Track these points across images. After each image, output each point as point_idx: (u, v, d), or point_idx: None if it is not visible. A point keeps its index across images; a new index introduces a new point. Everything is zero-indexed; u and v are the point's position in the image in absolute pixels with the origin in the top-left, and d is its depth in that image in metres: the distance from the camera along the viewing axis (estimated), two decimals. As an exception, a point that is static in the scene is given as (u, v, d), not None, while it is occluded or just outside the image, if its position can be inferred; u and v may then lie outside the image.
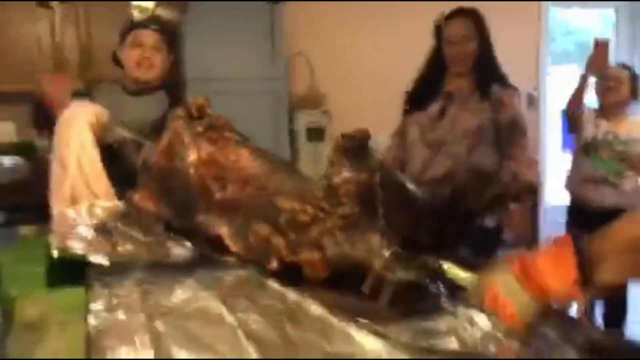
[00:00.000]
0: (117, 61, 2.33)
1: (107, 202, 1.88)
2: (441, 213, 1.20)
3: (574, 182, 3.15)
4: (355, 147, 1.24)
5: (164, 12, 1.67)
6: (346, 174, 1.22)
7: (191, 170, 1.52)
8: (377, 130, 3.07)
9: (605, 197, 2.92)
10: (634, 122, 3.00)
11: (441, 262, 1.13)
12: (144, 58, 2.23)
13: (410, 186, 1.21)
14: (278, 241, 1.30)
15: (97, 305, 1.10)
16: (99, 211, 1.79)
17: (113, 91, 2.34)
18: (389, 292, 1.12)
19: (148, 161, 1.70)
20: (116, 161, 2.05)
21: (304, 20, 3.23)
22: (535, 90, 4.37)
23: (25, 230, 1.82)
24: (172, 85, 2.40)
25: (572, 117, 3.15)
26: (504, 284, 0.96)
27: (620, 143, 2.96)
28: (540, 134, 4.51)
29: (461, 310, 1.09)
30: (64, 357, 0.99)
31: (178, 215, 1.56)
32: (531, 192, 1.15)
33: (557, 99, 4.59)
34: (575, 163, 3.17)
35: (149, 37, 2.25)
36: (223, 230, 1.43)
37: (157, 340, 0.95)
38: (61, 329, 1.09)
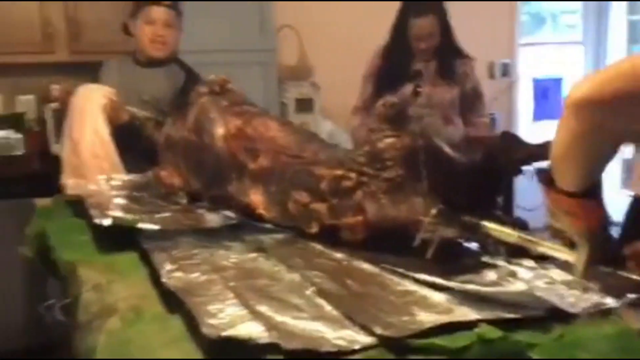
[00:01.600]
0: (127, 32, 2.34)
1: (122, 175, 1.93)
2: (476, 174, 1.29)
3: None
4: (396, 114, 1.31)
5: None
6: (389, 139, 1.29)
7: (220, 144, 1.56)
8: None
9: None
10: None
11: (481, 220, 1.22)
12: (158, 36, 2.25)
13: (448, 150, 1.30)
14: (319, 206, 1.37)
15: (166, 267, 1.16)
16: (117, 183, 1.84)
17: (123, 63, 2.35)
18: (433, 249, 1.21)
19: (172, 137, 1.73)
20: (130, 138, 2.09)
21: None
22: (510, 60, 4.50)
23: (42, 201, 1.84)
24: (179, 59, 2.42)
25: None
26: None
27: None
28: (514, 104, 4.66)
29: (502, 264, 1.19)
30: (143, 314, 1.04)
31: (208, 187, 1.61)
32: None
33: (529, 68, 4.77)
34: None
35: (162, 13, 2.26)
36: (257, 198, 1.49)
37: (239, 297, 1.02)
38: (129, 288, 1.14)
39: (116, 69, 2.35)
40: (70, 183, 1.97)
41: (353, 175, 1.32)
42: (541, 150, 1.25)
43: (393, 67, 2.63)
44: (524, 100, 4.79)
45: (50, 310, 1.44)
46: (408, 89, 2.60)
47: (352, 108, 2.76)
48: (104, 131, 2.00)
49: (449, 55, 2.64)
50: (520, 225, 1.22)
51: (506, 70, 4.51)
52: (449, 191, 1.27)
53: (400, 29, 2.60)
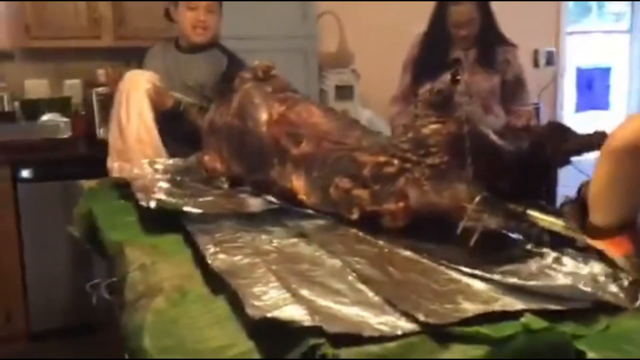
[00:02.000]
0: (169, 17, 2.37)
1: (164, 160, 1.96)
2: (522, 163, 1.27)
3: None
4: (442, 100, 1.30)
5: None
6: (435, 125, 1.28)
7: (264, 129, 1.58)
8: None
9: None
10: None
11: (526, 209, 1.21)
12: (200, 21, 2.27)
13: (494, 137, 1.28)
14: (361, 192, 1.37)
15: (209, 249, 1.18)
16: (160, 167, 1.87)
17: (166, 49, 2.39)
18: (476, 237, 1.19)
19: (216, 123, 1.76)
20: (173, 123, 2.12)
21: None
22: (555, 48, 4.40)
23: (89, 183, 1.88)
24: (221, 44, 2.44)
25: None
26: None
27: None
28: (558, 94, 4.56)
29: (547, 252, 1.17)
30: (187, 294, 1.06)
31: (250, 172, 1.63)
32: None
33: (574, 57, 4.65)
34: None
35: None
36: (298, 184, 1.50)
37: (281, 280, 1.03)
38: (174, 269, 1.17)
39: (159, 55, 2.39)
40: (115, 166, 2.03)
41: (396, 161, 1.31)
42: (591, 141, 1.23)
43: (431, 55, 2.58)
44: (569, 90, 4.68)
45: (96, 290, 1.49)
46: (447, 77, 2.56)
47: (391, 97, 2.74)
48: (149, 116, 2.05)
49: (489, 43, 2.57)
50: (564, 215, 1.20)
51: (551, 59, 4.41)
52: (494, 179, 1.26)
53: (439, 16, 2.55)
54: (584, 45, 4.71)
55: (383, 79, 3.55)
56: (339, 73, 3.43)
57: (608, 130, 1.20)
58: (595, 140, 1.21)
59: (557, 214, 1.21)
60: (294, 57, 3.30)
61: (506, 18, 2.69)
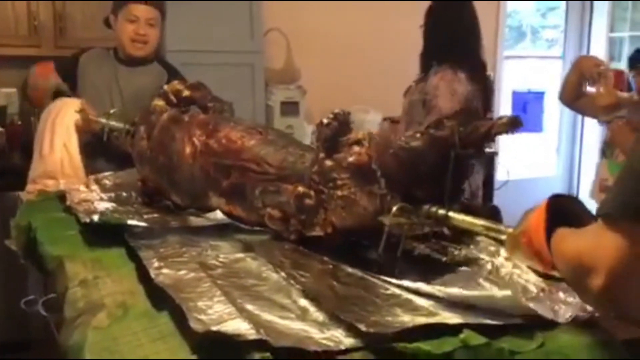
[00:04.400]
0: (109, 25, 2.32)
1: (112, 174, 1.91)
2: (438, 163, 1.22)
3: (594, 189, 2.61)
4: (333, 132, 1.29)
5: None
6: (335, 156, 1.28)
7: (191, 161, 1.54)
8: (349, 105, 3.20)
9: None
10: None
11: (447, 210, 1.20)
12: (139, 35, 2.22)
13: (402, 142, 1.26)
14: (292, 222, 1.35)
15: (154, 264, 1.17)
16: (106, 183, 1.83)
17: (104, 58, 2.33)
18: (401, 246, 1.20)
19: (145, 154, 1.68)
20: (99, 148, 2.07)
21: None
22: (492, 72, 4.56)
23: (28, 195, 1.83)
24: (162, 57, 2.42)
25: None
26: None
27: None
28: (496, 115, 4.72)
29: (485, 261, 1.21)
30: (130, 310, 1.05)
31: (189, 202, 1.59)
32: (516, 124, 1.17)
33: (510, 80, 4.84)
34: (597, 167, 2.67)
35: (145, 12, 2.22)
36: (237, 211, 1.48)
37: (227, 295, 1.03)
38: (116, 284, 1.15)
39: (95, 62, 2.32)
40: (49, 183, 1.96)
41: (313, 193, 1.31)
42: (499, 125, 1.18)
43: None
44: (505, 112, 4.86)
45: (32, 306, 1.44)
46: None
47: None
48: (74, 148, 2.00)
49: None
50: (492, 211, 1.20)
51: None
52: (413, 187, 1.25)
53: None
54: (520, 69, 4.92)
55: (328, 94, 3.61)
56: (285, 89, 3.46)
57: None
58: (501, 124, 1.17)
59: (483, 210, 1.22)
60: (241, 72, 3.31)
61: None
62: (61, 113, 2.03)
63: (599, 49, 4.84)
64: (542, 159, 5.15)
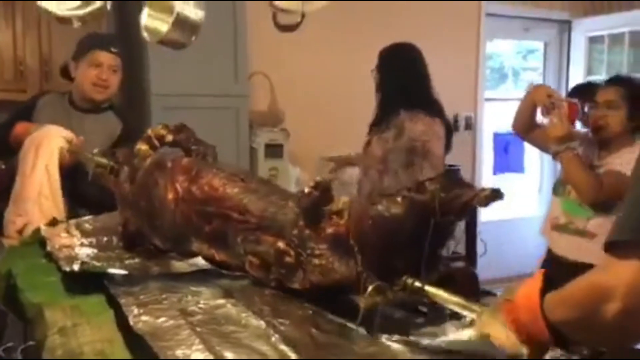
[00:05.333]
0: (65, 74, 2.36)
1: (93, 218, 1.92)
2: (417, 229, 1.19)
3: (545, 227, 2.55)
4: (314, 202, 1.29)
5: (177, 35, 1.74)
6: (314, 226, 1.28)
7: (172, 207, 1.54)
8: (332, 149, 3.25)
9: (581, 250, 2.29)
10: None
11: (422, 284, 1.18)
12: (102, 80, 2.28)
13: (382, 209, 1.23)
14: (273, 269, 1.36)
15: (133, 311, 1.17)
16: (87, 227, 1.84)
17: (59, 102, 2.36)
18: (376, 320, 1.16)
19: (127, 198, 1.69)
20: (80, 182, 2.08)
21: (265, 40, 3.35)
22: (472, 114, 4.66)
23: (9, 241, 1.83)
24: (119, 106, 2.45)
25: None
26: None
27: None
28: (477, 157, 4.80)
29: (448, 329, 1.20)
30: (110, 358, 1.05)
31: (171, 246, 1.60)
32: (498, 197, 1.15)
33: (491, 122, 4.94)
34: (550, 203, 2.60)
35: (108, 58, 2.31)
36: (219, 256, 1.49)
37: (206, 343, 1.04)
38: (96, 332, 1.15)
39: (50, 107, 2.35)
40: (17, 221, 1.96)
41: (292, 252, 1.31)
42: (481, 197, 1.17)
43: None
44: (487, 153, 4.94)
45: (11, 353, 1.43)
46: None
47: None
48: (55, 171, 2.02)
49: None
50: (470, 278, 1.20)
51: (469, 124, 4.67)
52: (390, 256, 1.23)
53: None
54: (500, 111, 5.02)
55: (312, 137, 3.66)
56: (269, 131, 3.51)
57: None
58: (483, 196, 1.16)
59: (464, 275, 1.24)
60: (226, 115, 3.36)
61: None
62: (47, 138, 2.06)
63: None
64: (523, 200, 5.22)
